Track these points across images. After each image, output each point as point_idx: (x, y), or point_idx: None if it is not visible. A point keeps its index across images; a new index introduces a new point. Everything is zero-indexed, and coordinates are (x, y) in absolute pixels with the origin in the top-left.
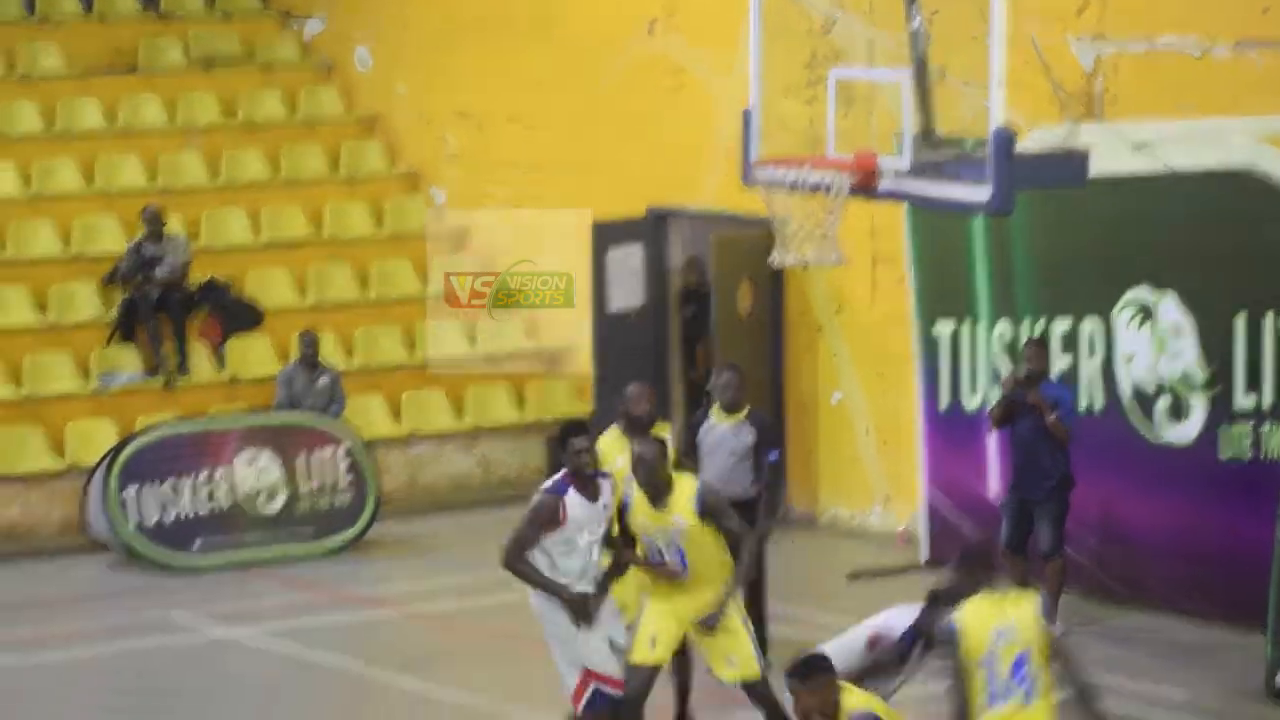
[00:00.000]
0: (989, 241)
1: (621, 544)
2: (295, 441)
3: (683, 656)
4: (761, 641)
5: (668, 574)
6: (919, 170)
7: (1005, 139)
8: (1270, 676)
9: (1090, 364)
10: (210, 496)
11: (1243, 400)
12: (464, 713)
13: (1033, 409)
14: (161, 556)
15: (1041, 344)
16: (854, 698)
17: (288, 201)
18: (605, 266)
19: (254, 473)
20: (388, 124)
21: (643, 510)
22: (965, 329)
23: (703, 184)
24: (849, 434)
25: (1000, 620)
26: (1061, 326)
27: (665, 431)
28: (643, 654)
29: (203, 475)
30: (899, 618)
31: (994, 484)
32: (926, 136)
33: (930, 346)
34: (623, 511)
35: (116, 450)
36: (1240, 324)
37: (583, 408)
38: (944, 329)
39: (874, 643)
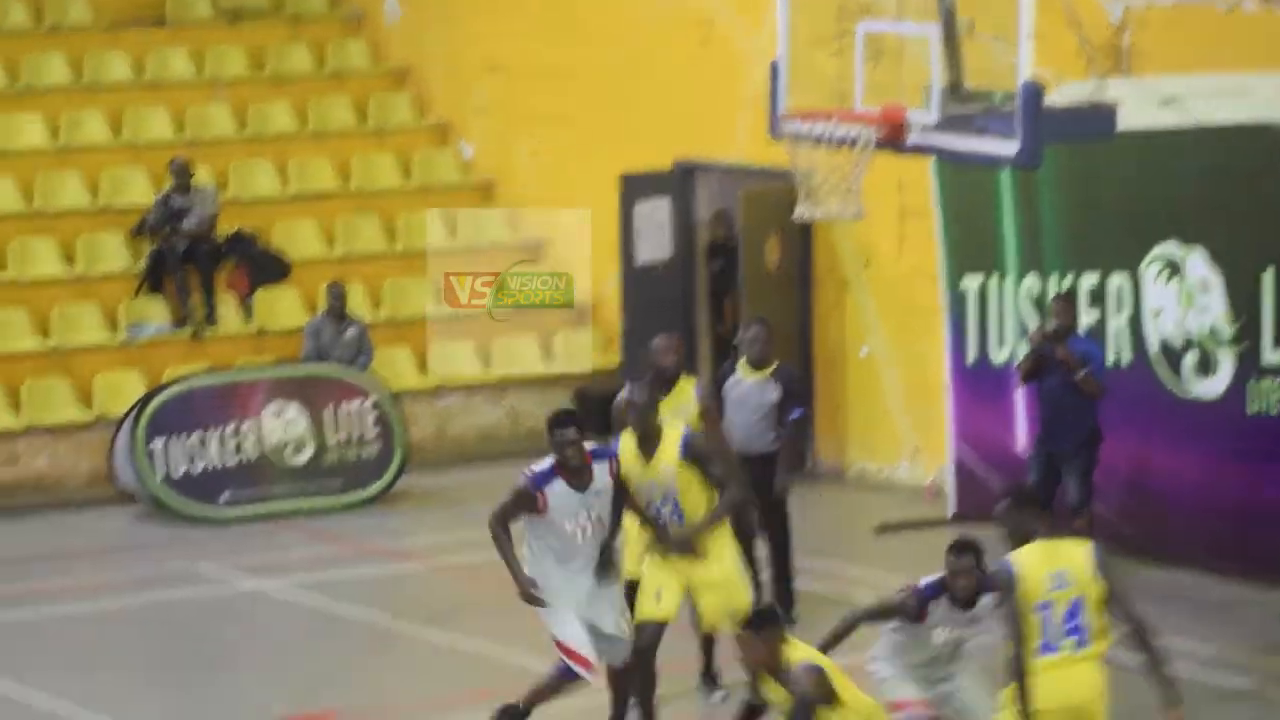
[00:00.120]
0: (1017, 195)
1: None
2: (323, 393)
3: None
4: (787, 597)
5: (669, 537)
6: (947, 124)
7: (1033, 93)
8: None
9: (1118, 319)
10: (238, 448)
11: (1270, 355)
12: (490, 664)
13: (1061, 364)
14: (189, 508)
15: (1069, 299)
16: (799, 651)
17: (315, 154)
18: (633, 219)
19: (281, 425)
20: (416, 76)
21: (632, 461)
22: (993, 283)
23: (731, 137)
24: (877, 388)
25: (1056, 566)
26: (1089, 281)
27: (692, 384)
28: (649, 609)
29: (230, 427)
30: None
31: (1021, 438)
32: (954, 90)
33: (958, 300)
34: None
35: (144, 402)
36: (1268, 279)
37: (610, 360)
38: (972, 283)
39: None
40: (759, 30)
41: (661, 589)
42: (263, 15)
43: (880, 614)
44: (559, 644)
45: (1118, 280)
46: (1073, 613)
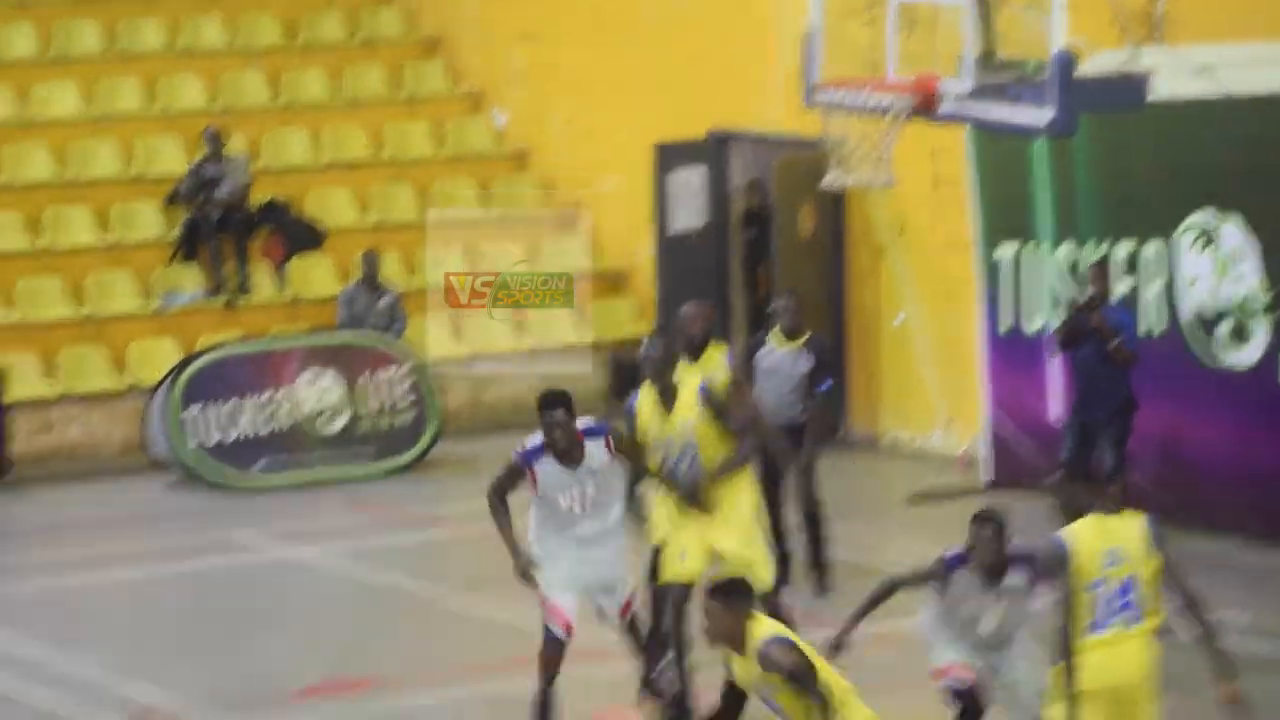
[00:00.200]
0: (1051, 164)
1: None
2: (357, 362)
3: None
4: (821, 565)
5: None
6: (980, 93)
7: (1066, 62)
8: None
9: (1152, 288)
10: (272, 417)
11: None
12: (525, 631)
13: (1095, 332)
14: (222, 477)
15: (1104, 267)
16: (764, 625)
17: (348, 122)
18: (667, 188)
19: (316, 393)
20: (450, 44)
21: (651, 415)
22: (1027, 252)
23: (765, 106)
24: (910, 356)
25: (1110, 543)
26: (1123, 250)
27: (721, 352)
28: (675, 569)
29: (264, 395)
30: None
31: (1055, 406)
32: (988, 59)
33: (992, 269)
34: (632, 422)
35: (178, 370)
36: None
37: (644, 328)
38: (1005, 252)
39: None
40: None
41: (686, 550)
42: None
43: (913, 581)
44: (543, 601)
45: (1152, 249)
46: (1125, 589)
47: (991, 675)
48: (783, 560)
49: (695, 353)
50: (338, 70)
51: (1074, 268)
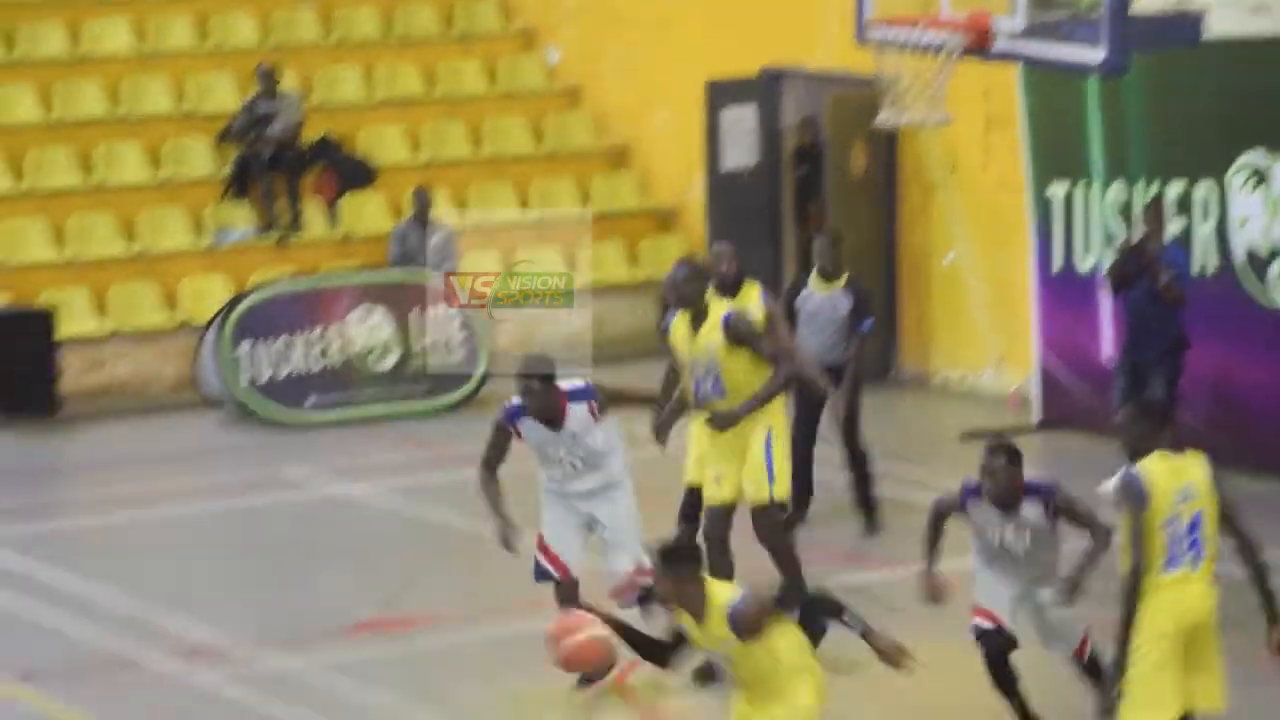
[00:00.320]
0: (1103, 103)
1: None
2: (408, 299)
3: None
4: (868, 503)
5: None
6: (1033, 31)
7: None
8: None
9: (1204, 227)
10: (323, 354)
11: None
12: None
13: (1146, 270)
14: (274, 413)
15: (1159, 206)
16: (724, 590)
17: (401, 59)
18: (719, 126)
19: (367, 330)
20: None
21: (681, 334)
22: (1079, 191)
23: (818, 43)
24: (961, 295)
25: (1182, 480)
26: (1175, 189)
27: (754, 291)
28: (711, 493)
29: (316, 332)
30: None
31: (1107, 346)
32: None
33: (1044, 208)
34: (666, 341)
35: (230, 307)
36: None
37: None
38: (1058, 191)
39: None
40: None
41: (720, 474)
42: None
43: (942, 512)
44: (539, 542)
45: (1204, 188)
46: (1193, 526)
47: (1033, 617)
48: (805, 496)
49: (729, 291)
50: (390, 7)
51: (1125, 208)
